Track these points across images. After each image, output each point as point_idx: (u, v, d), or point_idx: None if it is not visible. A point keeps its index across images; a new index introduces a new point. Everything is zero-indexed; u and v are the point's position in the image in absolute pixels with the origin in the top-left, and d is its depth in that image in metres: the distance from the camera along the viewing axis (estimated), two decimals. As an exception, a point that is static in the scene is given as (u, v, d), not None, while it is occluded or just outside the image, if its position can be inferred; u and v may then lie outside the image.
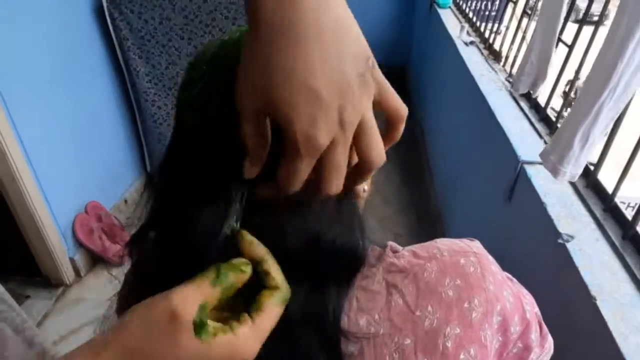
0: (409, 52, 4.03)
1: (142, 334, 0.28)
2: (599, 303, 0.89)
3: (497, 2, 2.43)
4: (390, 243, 0.43)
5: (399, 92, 0.34)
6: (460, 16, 2.80)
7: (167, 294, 0.29)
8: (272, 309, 0.31)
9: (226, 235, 0.33)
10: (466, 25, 2.47)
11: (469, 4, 2.72)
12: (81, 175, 2.08)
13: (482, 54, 2.19)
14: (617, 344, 0.81)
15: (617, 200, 1.11)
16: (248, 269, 0.32)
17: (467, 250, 0.41)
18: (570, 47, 1.44)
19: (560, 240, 1.05)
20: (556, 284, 1.07)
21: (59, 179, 1.93)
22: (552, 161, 1.11)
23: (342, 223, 0.38)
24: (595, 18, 1.35)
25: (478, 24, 2.50)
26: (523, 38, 1.88)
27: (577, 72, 1.38)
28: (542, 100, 1.60)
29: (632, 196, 1.98)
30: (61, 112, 1.93)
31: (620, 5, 0.95)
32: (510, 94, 1.77)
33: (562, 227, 1.09)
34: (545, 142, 1.44)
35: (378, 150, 0.31)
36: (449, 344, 0.36)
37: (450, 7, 3.00)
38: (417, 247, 0.42)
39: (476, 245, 0.42)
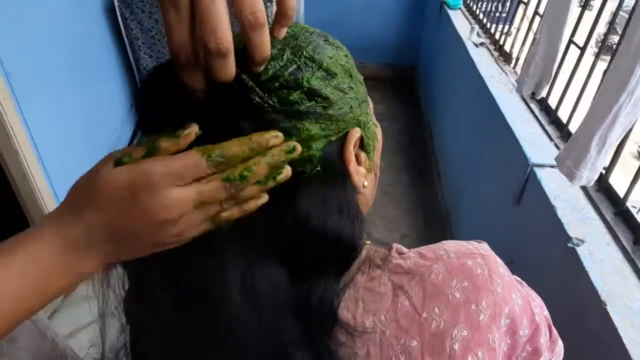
0: (418, 53, 4.01)
1: (83, 175, 0.33)
2: (609, 308, 0.87)
3: (508, 4, 2.41)
4: (396, 245, 0.42)
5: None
6: (470, 17, 2.79)
7: None
8: (192, 154, 0.31)
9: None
10: (476, 27, 2.46)
11: (479, 5, 2.70)
12: (91, 173, 2.10)
13: (492, 55, 2.17)
14: (627, 350, 0.80)
15: (628, 204, 1.10)
16: (182, 138, 0.32)
17: (474, 252, 0.40)
18: (582, 49, 1.42)
19: (570, 245, 1.04)
20: (566, 288, 1.06)
21: (69, 176, 1.94)
22: (568, 165, 1.09)
23: (336, 211, 0.37)
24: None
25: (488, 25, 2.48)
26: (534, 40, 1.86)
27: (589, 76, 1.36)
28: (552, 102, 1.58)
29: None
30: (72, 110, 1.95)
31: (637, 9, 0.94)
32: (521, 96, 1.75)
33: (572, 231, 1.07)
34: (556, 145, 1.42)
35: (252, 4, 0.29)
36: (456, 347, 0.36)
37: (460, 8, 2.98)
38: (423, 249, 0.42)
39: (484, 247, 0.42)
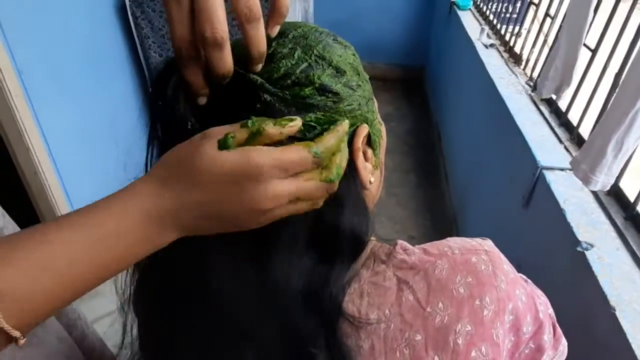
0: (427, 53, 4.00)
1: (179, 148, 0.33)
2: (618, 313, 0.87)
3: (519, 5, 2.39)
4: (400, 241, 0.43)
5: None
6: (480, 18, 2.77)
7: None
8: (299, 149, 0.32)
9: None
10: (486, 28, 2.44)
11: (489, 6, 2.68)
12: (100, 171, 2.12)
13: (502, 56, 2.16)
14: (636, 356, 0.79)
15: (639, 208, 1.09)
16: (287, 128, 0.33)
17: (478, 248, 0.41)
18: (594, 52, 1.41)
19: (579, 248, 1.03)
20: (574, 292, 1.05)
21: (79, 174, 1.97)
22: (584, 170, 1.08)
23: (348, 206, 0.38)
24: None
25: (498, 26, 2.47)
26: (545, 42, 1.84)
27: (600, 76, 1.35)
28: (562, 105, 1.57)
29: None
30: (83, 108, 1.97)
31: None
32: (531, 97, 1.74)
33: (582, 234, 1.06)
34: (566, 148, 1.41)
35: None
36: (460, 341, 0.36)
37: (470, 9, 2.97)
38: (427, 245, 0.42)
39: (488, 244, 0.42)
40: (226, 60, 0.32)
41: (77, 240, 0.29)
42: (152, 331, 0.41)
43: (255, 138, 0.32)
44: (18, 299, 0.27)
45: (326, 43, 0.38)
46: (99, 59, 2.06)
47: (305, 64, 0.36)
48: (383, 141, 0.45)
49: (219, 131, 0.32)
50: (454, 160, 2.59)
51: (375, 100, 0.44)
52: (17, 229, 0.51)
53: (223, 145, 0.31)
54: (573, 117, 1.49)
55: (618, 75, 1.20)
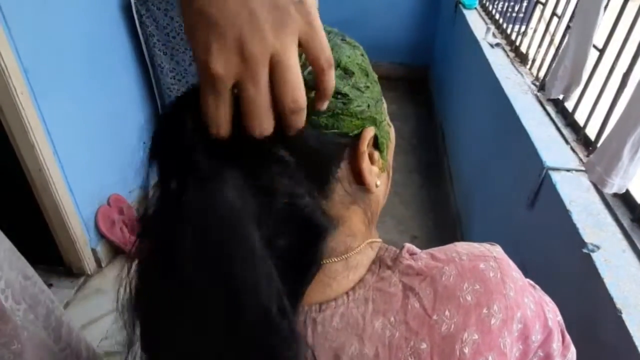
0: (432, 52, 3.98)
1: None
2: (624, 316, 0.86)
3: (525, 4, 2.37)
4: (407, 245, 0.42)
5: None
6: (486, 17, 2.75)
7: None
8: None
9: None
10: (492, 27, 2.42)
11: (495, 4, 2.66)
12: (105, 168, 2.13)
13: (507, 56, 2.14)
14: (642, 360, 0.78)
15: (646, 210, 1.07)
16: None
17: (487, 254, 0.40)
18: (601, 52, 1.39)
19: (585, 250, 1.02)
20: (580, 295, 1.04)
21: (83, 171, 1.98)
22: (599, 172, 1.07)
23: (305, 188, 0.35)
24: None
25: (504, 25, 2.45)
26: (551, 41, 1.83)
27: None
28: (568, 105, 1.55)
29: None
30: (87, 106, 1.98)
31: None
32: (537, 97, 1.72)
33: (588, 236, 1.05)
34: (572, 149, 1.40)
35: (292, 92, 0.30)
36: (466, 350, 0.35)
37: (476, 8, 2.95)
38: (435, 250, 0.41)
39: (497, 250, 0.41)
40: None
41: None
42: (153, 331, 0.41)
43: None
44: None
45: (334, 43, 0.38)
46: (103, 58, 2.06)
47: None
48: (391, 144, 0.44)
49: None
50: (459, 160, 2.58)
51: (384, 101, 0.43)
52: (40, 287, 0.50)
53: None
54: (580, 117, 1.48)
55: (626, 75, 1.19)
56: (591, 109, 1.38)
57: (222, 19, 0.27)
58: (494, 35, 2.37)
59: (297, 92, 0.30)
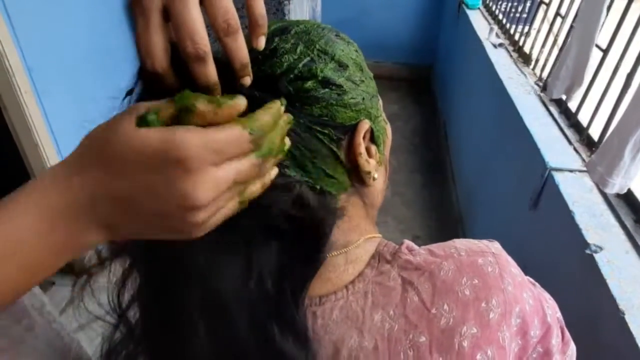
0: (435, 52, 3.98)
1: (99, 125, 0.29)
2: (627, 318, 0.85)
3: (528, 4, 2.37)
4: (406, 241, 0.42)
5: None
6: (489, 17, 2.75)
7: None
8: (233, 128, 0.27)
9: None
10: (495, 27, 2.42)
11: (498, 5, 2.66)
12: (108, 167, 2.14)
13: (511, 56, 2.14)
14: (645, 362, 0.78)
15: (650, 211, 1.07)
16: (225, 107, 0.28)
17: (485, 250, 0.40)
18: (605, 52, 1.39)
19: (588, 251, 1.02)
20: (582, 296, 1.03)
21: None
22: (600, 172, 1.07)
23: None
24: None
25: (508, 25, 2.44)
26: (555, 41, 1.82)
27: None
28: (572, 106, 1.55)
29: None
30: (91, 104, 1.98)
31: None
32: (540, 98, 1.72)
33: (591, 237, 1.05)
34: (575, 149, 1.40)
35: (224, 14, 0.29)
36: (465, 344, 0.35)
37: (479, 8, 2.94)
38: (433, 246, 0.41)
39: (495, 246, 0.41)
40: (210, 73, 0.29)
41: None
42: (153, 323, 0.41)
43: (185, 117, 0.26)
44: None
45: (328, 38, 0.39)
46: (107, 55, 2.07)
47: (307, 58, 0.37)
48: (388, 140, 0.45)
49: (140, 107, 0.27)
50: (461, 160, 2.57)
51: (380, 98, 0.44)
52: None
53: (143, 122, 0.26)
54: (583, 118, 1.47)
55: (630, 76, 1.18)
56: (595, 110, 1.38)
57: None
58: (497, 35, 2.37)
59: (229, 14, 0.29)
